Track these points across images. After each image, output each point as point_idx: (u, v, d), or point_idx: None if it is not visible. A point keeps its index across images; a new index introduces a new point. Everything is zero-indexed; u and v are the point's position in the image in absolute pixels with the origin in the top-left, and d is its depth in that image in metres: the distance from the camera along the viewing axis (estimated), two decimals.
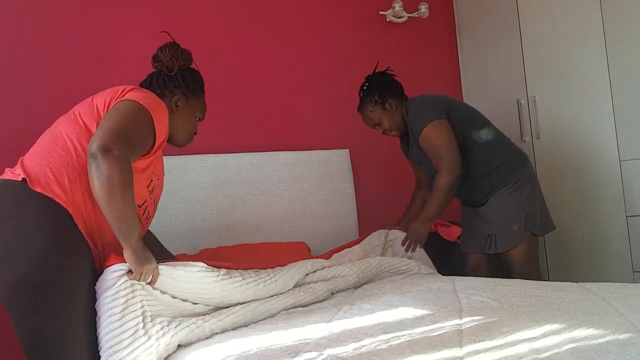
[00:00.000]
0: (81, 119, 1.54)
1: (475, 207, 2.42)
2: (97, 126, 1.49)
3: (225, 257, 2.28)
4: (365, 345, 1.33)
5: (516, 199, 2.28)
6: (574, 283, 1.78)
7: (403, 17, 3.19)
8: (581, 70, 2.79)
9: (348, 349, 1.32)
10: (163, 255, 1.85)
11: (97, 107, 1.55)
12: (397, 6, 3.11)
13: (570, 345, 1.16)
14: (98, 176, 1.37)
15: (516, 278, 2.18)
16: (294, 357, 1.30)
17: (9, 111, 2.14)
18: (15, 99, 2.15)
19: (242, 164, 2.52)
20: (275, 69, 2.78)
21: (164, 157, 2.32)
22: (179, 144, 1.79)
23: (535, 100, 3.00)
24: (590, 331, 1.24)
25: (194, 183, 2.38)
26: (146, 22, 2.42)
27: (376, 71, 2.50)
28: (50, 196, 1.42)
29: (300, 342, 1.42)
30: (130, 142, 1.45)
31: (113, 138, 1.40)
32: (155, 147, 1.57)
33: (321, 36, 2.95)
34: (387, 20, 3.19)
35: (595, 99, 2.73)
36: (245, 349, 1.38)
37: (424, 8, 3.18)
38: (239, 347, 1.40)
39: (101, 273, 1.47)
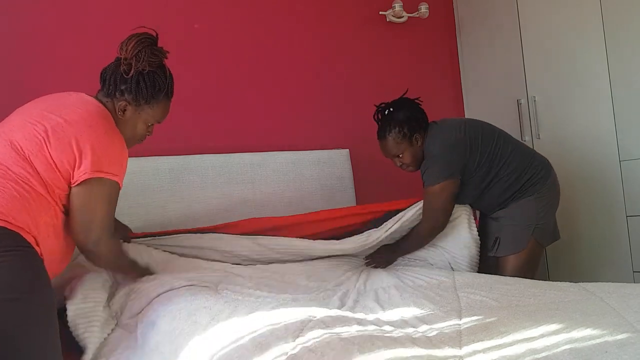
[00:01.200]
0: (29, 159, 1.43)
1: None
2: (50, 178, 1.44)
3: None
4: (368, 330, 1.33)
5: (531, 209, 2.24)
6: (572, 283, 1.78)
7: (403, 17, 3.19)
8: (581, 70, 2.79)
9: (352, 329, 1.32)
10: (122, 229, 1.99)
11: (54, 163, 1.44)
12: (397, 6, 3.11)
13: (569, 345, 1.17)
14: (100, 265, 1.69)
15: None
16: (298, 336, 1.29)
17: None
18: None
19: (242, 164, 2.52)
20: (275, 68, 2.78)
21: (164, 157, 2.34)
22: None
23: (535, 100, 3.00)
24: (588, 331, 1.24)
25: (194, 183, 2.38)
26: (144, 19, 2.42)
27: (405, 98, 2.34)
28: None
29: (306, 317, 1.41)
30: (110, 222, 1.56)
31: (98, 232, 1.51)
32: None
33: (321, 36, 2.95)
34: (387, 20, 3.19)
35: (595, 99, 2.73)
36: (252, 328, 1.36)
37: (424, 8, 3.18)
38: (246, 327, 1.37)
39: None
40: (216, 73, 2.60)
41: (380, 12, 3.16)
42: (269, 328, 1.35)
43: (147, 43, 1.55)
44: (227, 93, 2.63)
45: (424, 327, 1.45)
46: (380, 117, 2.35)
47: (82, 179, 1.45)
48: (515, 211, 2.25)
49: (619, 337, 1.18)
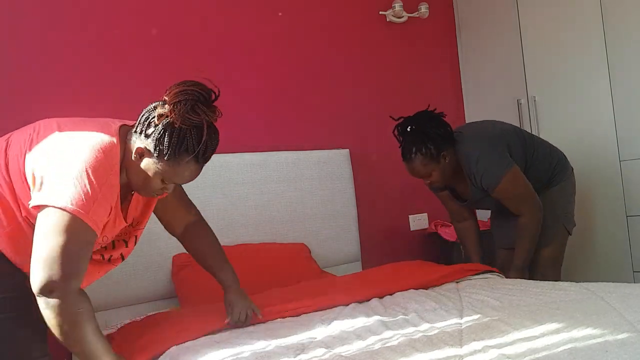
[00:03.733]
0: (9, 178, 1.34)
1: None
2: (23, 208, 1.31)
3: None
4: (369, 345, 1.34)
5: (559, 199, 2.25)
6: (573, 283, 1.78)
7: (403, 17, 3.19)
8: (581, 70, 2.79)
9: (353, 347, 1.33)
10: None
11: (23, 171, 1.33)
12: (397, 6, 3.12)
13: (569, 345, 1.17)
14: (48, 320, 1.25)
15: (539, 279, 2.17)
16: (299, 354, 1.31)
17: None
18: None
19: (242, 164, 2.52)
20: (275, 69, 2.78)
21: None
22: (136, 191, 1.46)
23: (535, 100, 3.00)
24: (588, 330, 1.25)
25: (194, 183, 2.36)
26: (150, 20, 2.43)
27: (426, 112, 2.18)
28: None
29: (306, 339, 1.43)
30: (71, 269, 1.25)
31: (50, 274, 1.21)
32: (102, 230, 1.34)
33: (321, 36, 2.95)
34: (387, 20, 3.19)
35: (595, 99, 2.74)
36: (254, 347, 1.39)
37: (424, 8, 3.18)
38: (247, 346, 1.41)
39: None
40: (216, 73, 2.59)
41: (380, 12, 3.16)
42: (271, 347, 1.38)
43: (193, 97, 1.32)
44: (227, 93, 2.61)
45: (425, 326, 1.45)
46: (400, 134, 2.16)
47: (36, 203, 1.27)
48: (544, 202, 2.22)
49: (620, 336, 1.18)
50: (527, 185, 2.15)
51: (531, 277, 2.24)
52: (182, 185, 1.66)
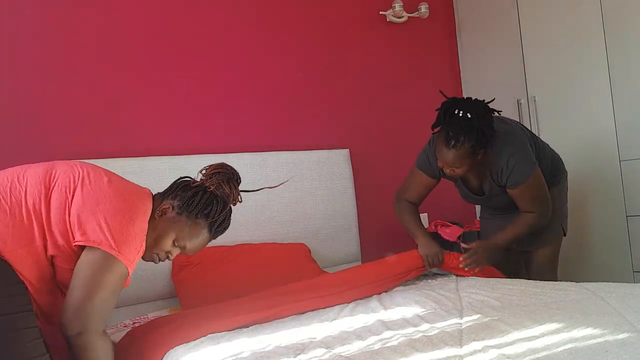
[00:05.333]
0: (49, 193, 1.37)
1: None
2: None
3: (225, 257, 2.28)
4: (369, 345, 1.34)
5: (558, 199, 2.25)
6: (573, 283, 1.78)
7: (403, 17, 3.19)
8: (581, 70, 2.79)
9: (353, 347, 1.33)
10: None
11: (68, 209, 1.36)
12: (397, 6, 3.12)
13: (569, 345, 1.17)
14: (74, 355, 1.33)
15: (533, 279, 2.17)
16: (299, 354, 1.31)
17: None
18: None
19: (242, 164, 2.52)
20: (275, 68, 2.78)
21: (164, 157, 2.34)
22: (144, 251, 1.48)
23: (535, 100, 3.00)
24: (588, 330, 1.25)
25: None
26: (147, 19, 2.43)
27: (484, 104, 2.04)
28: None
29: (306, 339, 1.43)
30: (103, 312, 1.33)
31: (83, 317, 1.28)
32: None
33: (321, 36, 2.95)
34: (387, 20, 3.19)
35: (595, 99, 2.74)
36: (254, 347, 1.39)
37: (424, 8, 3.18)
38: (248, 346, 1.41)
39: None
40: (216, 73, 2.60)
41: (380, 12, 3.16)
42: (271, 347, 1.38)
43: (230, 174, 1.55)
44: (227, 93, 2.63)
45: (425, 326, 1.45)
46: (445, 115, 2.00)
47: (88, 244, 1.32)
48: None
49: (620, 336, 1.18)
50: (546, 187, 2.16)
51: (527, 278, 2.24)
52: None
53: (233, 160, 2.49)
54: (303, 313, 1.76)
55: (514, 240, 2.17)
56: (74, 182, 1.38)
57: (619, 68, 2.64)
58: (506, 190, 2.14)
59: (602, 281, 1.76)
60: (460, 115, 1.95)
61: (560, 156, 2.35)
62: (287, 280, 2.14)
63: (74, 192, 1.37)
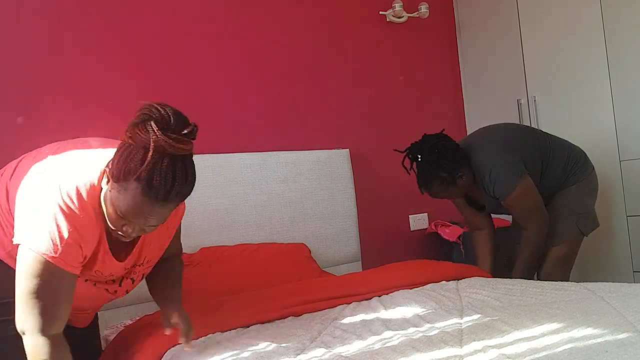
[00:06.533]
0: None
1: None
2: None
3: (225, 257, 2.28)
4: (369, 345, 1.34)
5: (573, 199, 2.23)
6: (573, 283, 1.78)
7: (403, 17, 3.19)
8: (581, 70, 2.79)
9: (353, 347, 1.33)
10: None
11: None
12: (397, 6, 3.12)
13: (569, 345, 1.17)
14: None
15: (542, 278, 2.18)
16: (299, 354, 1.31)
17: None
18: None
19: (242, 164, 2.52)
20: (275, 69, 2.78)
21: None
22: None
23: (535, 100, 3.00)
24: (589, 330, 1.25)
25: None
26: (147, 18, 2.43)
27: (432, 138, 2.17)
28: None
29: (306, 339, 1.43)
30: (42, 315, 1.21)
31: (22, 318, 1.21)
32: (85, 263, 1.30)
33: (321, 36, 2.95)
34: (387, 20, 3.19)
35: (595, 99, 2.74)
36: (254, 347, 1.39)
37: (424, 8, 3.18)
38: (247, 346, 1.41)
39: None
40: (216, 73, 2.60)
41: (380, 12, 3.16)
42: (271, 347, 1.38)
43: (147, 115, 1.16)
44: (227, 93, 2.63)
45: (425, 326, 1.45)
46: (411, 163, 2.16)
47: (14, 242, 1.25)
48: (558, 202, 2.23)
49: (620, 336, 1.18)
50: (536, 198, 2.15)
51: (537, 275, 2.24)
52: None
53: (233, 160, 2.51)
54: (301, 315, 1.75)
55: (528, 266, 2.20)
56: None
57: (619, 68, 2.64)
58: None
59: (602, 281, 1.76)
60: (419, 158, 2.13)
61: None
62: (287, 281, 2.14)
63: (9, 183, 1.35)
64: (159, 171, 1.14)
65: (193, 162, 1.21)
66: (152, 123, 1.14)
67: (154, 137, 1.13)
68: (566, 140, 2.36)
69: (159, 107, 1.17)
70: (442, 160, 2.10)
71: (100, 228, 1.29)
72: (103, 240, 1.32)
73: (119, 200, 1.19)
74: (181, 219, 1.53)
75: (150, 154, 1.13)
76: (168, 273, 1.59)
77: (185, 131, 1.17)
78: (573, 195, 2.23)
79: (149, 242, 1.43)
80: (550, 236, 2.23)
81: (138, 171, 1.13)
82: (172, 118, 1.17)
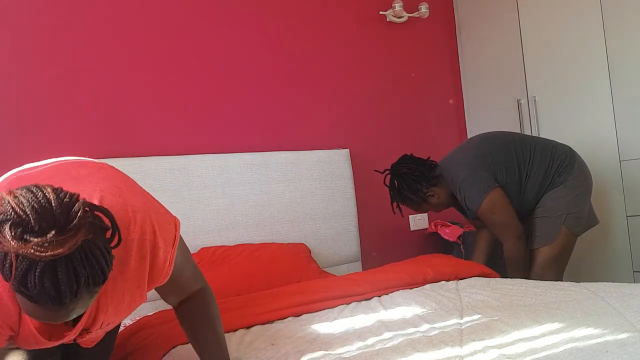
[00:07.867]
0: None
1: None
2: None
3: (225, 257, 2.28)
4: (369, 345, 1.35)
5: (560, 199, 2.25)
6: (573, 283, 1.78)
7: (403, 17, 3.19)
8: (581, 70, 2.79)
9: (353, 347, 1.33)
10: None
11: None
12: (397, 6, 3.11)
13: (569, 345, 1.17)
14: None
15: (532, 278, 2.18)
16: (299, 355, 1.31)
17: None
18: None
19: (242, 164, 2.52)
20: (275, 68, 2.78)
21: (164, 157, 2.34)
22: None
23: (535, 100, 3.00)
24: (589, 330, 1.25)
25: (194, 183, 2.38)
26: (147, 19, 2.43)
27: (403, 161, 2.41)
28: None
29: (306, 340, 1.43)
30: None
31: None
32: None
33: (321, 36, 2.95)
34: (387, 20, 3.19)
35: (595, 99, 2.73)
36: (254, 347, 1.39)
37: (424, 8, 3.18)
38: (248, 346, 1.41)
39: None
40: (216, 73, 2.60)
41: (380, 12, 3.16)
42: (271, 347, 1.38)
43: (3, 219, 0.86)
44: (227, 93, 2.63)
45: (425, 326, 1.45)
46: (391, 193, 2.43)
47: None
48: (546, 203, 2.27)
49: (620, 336, 1.18)
50: (506, 211, 2.22)
51: (528, 277, 2.25)
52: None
53: (233, 160, 2.51)
54: (301, 315, 1.75)
55: (518, 275, 2.27)
56: None
57: (619, 68, 2.63)
58: None
59: (602, 281, 1.76)
60: (395, 182, 2.39)
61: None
62: (287, 281, 2.15)
63: None
64: (34, 283, 0.87)
65: (89, 249, 0.89)
66: (7, 228, 0.87)
67: (12, 245, 0.85)
68: (551, 140, 2.39)
69: (15, 205, 0.88)
70: (411, 185, 2.33)
71: (12, 308, 1.03)
72: (24, 321, 1.05)
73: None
74: (164, 278, 1.18)
75: (14, 265, 0.87)
76: (208, 335, 1.31)
77: (52, 232, 0.86)
78: (560, 195, 2.25)
79: (104, 307, 1.11)
80: (538, 238, 2.27)
81: (11, 282, 0.88)
82: (31, 219, 0.87)
